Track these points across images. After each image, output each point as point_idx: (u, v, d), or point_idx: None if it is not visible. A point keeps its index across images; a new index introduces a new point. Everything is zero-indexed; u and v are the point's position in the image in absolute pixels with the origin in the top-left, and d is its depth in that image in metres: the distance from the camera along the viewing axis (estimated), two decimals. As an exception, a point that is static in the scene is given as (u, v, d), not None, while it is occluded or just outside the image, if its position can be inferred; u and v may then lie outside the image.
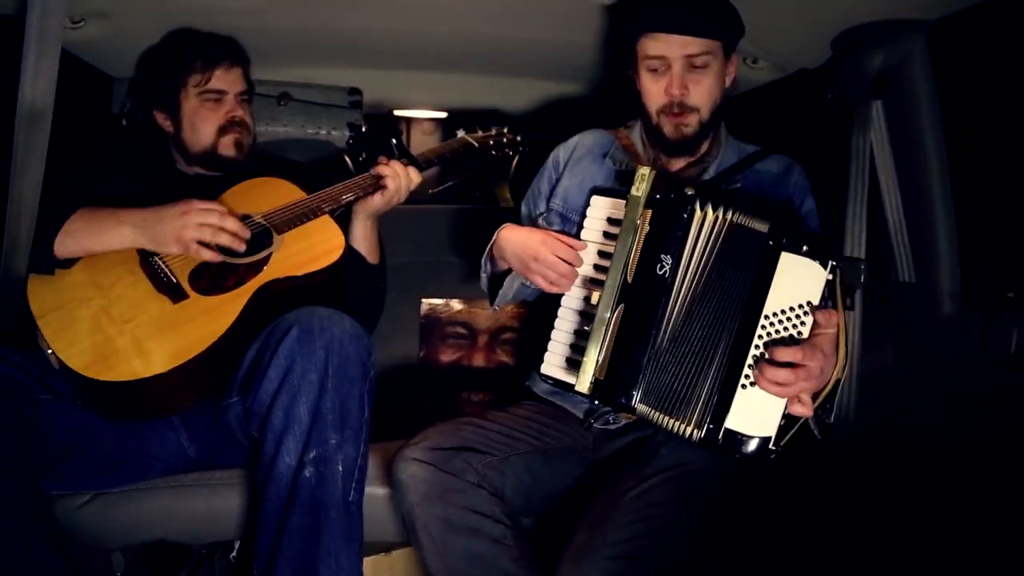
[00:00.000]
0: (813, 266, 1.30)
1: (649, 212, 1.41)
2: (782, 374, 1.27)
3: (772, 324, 1.31)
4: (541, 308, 1.66)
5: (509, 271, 1.65)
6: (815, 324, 1.30)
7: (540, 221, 1.72)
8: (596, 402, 1.48)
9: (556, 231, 1.59)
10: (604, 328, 1.41)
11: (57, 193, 1.45)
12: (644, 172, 1.41)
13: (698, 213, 1.38)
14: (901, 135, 1.65)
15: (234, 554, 1.82)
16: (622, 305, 1.40)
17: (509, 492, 1.44)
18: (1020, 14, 1.43)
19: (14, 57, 1.32)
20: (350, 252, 1.72)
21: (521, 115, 2.56)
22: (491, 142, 1.93)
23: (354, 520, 1.34)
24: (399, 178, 1.65)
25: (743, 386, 1.31)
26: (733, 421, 1.31)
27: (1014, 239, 1.58)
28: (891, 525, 1.54)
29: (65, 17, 1.47)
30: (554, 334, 1.53)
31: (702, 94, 1.54)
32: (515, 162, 2.03)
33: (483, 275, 1.76)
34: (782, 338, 1.30)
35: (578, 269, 1.50)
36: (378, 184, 1.65)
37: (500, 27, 1.95)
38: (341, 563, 1.30)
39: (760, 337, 1.31)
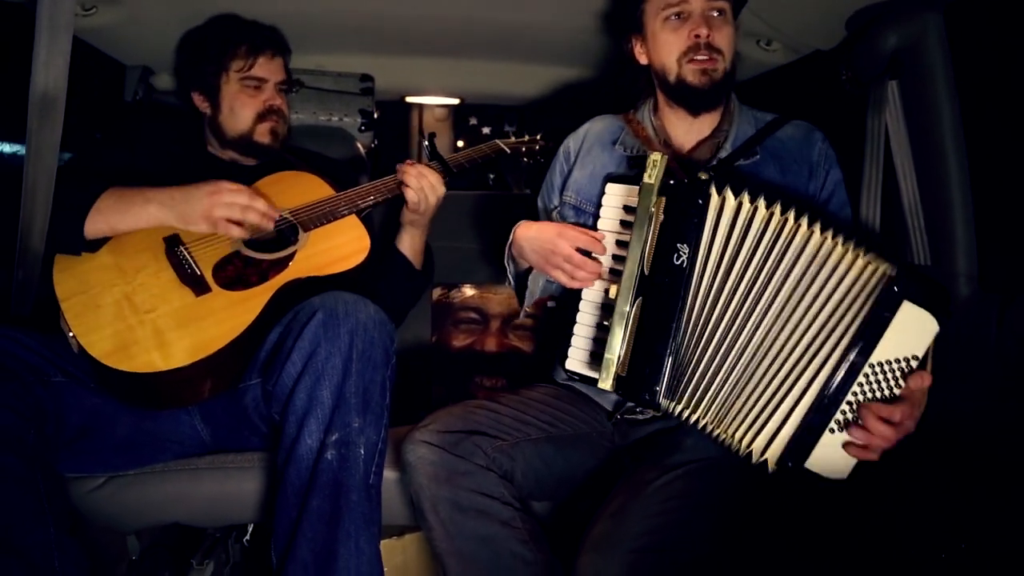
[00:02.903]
0: (928, 318, 1.20)
1: (663, 200, 1.35)
2: (887, 432, 1.22)
3: (876, 374, 1.23)
4: (565, 300, 1.65)
5: (531, 269, 1.63)
6: (908, 387, 1.22)
7: (555, 215, 1.70)
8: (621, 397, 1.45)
9: (571, 224, 1.57)
10: (624, 322, 1.37)
11: (86, 175, 1.46)
12: (656, 158, 1.35)
13: (715, 198, 1.31)
14: (917, 116, 1.63)
15: (248, 538, 1.84)
16: (641, 298, 1.36)
17: (519, 476, 1.44)
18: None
19: (27, 44, 1.33)
20: (397, 256, 1.76)
21: (533, 101, 2.55)
22: (524, 148, 1.93)
23: (374, 504, 1.34)
24: (425, 179, 1.66)
25: (831, 430, 1.25)
26: (814, 462, 1.26)
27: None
28: (907, 512, 1.52)
29: (76, 4, 1.48)
30: (576, 328, 1.49)
31: (724, 40, 1.51)
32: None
33: (509, 276, 1.73)
34: (880, 391, 1.23)
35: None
36: (401, 187, 1.67)
37: (512, 13, 1.95)
38: (361, 546, 1.30)
39: (860, 384, 1.23)
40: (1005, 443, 1.48)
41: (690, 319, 1.34)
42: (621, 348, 1.37)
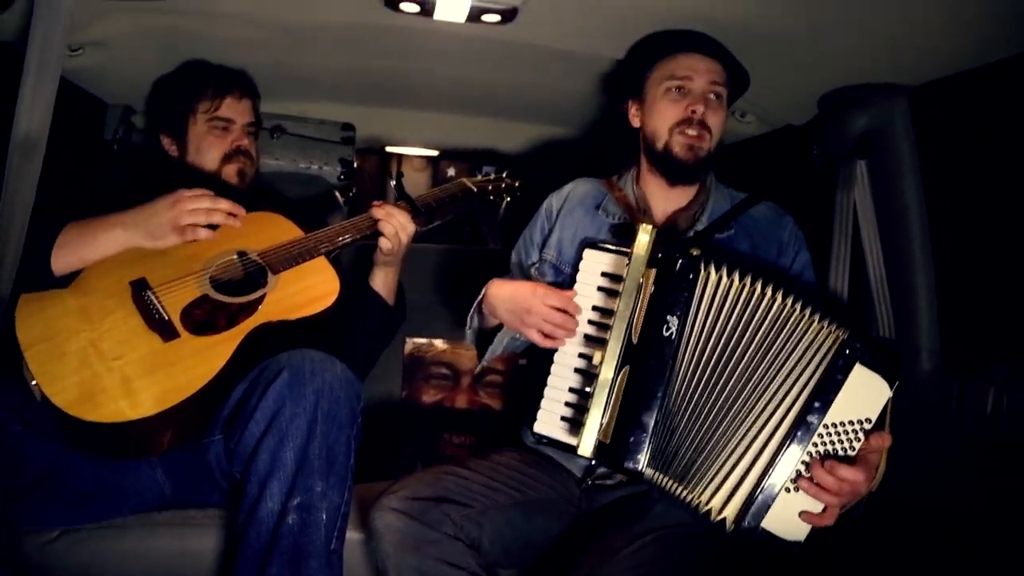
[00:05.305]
0: (880, 382, 1.26)
1: (652, 272, 1.37)
2: (836, 486, 1.25)
3: (829, 435, 1.27)
4: (535, 360, 1.63)
5: (499, 327, 1.62)
6: (867, 445, 1.27)
7: (532, 271, 1.71)
8: (597, 464, 1.44)
9: (548, 283, 1.58)
10: (608, 390, 1.37)
11: (52, 214, 1.44)
12: (646, 229, 1.38)
13: (703, 274, 1.35)
14: (883, 194, 1.69)
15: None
16: (627, 367, 1.37)
17: (486, 544, 1.42)
18: (998, 82, 1.48)
19: (11, 83, 1.32)
20: (371, 294, 1.75)
21: (513, 155, 2.58)
22: (490, 187, 1.92)
23: (335, 570, 1.32)
24: (394, 218, 1.64)
25: (787, 489, 1.28)
26: (770, 522, 1.28)
27: (993, 299, 1.61)
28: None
29: (65, 47, 1.47)
30: (548, 391, 1.48)
31: (716, 121, 1.58)
32: (505, 203, 2.03)
33: (468, 331, 1.73)
34: (835, 452, 1.27)
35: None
36: (375, 227, 1.65)
37: (496, 72, 1.98)
38: None
39: (815, 445, 1.27)
40: (965, 513, 1.50)
41: (675, 388, 1.35)
42: (604, 415, 1.37)
